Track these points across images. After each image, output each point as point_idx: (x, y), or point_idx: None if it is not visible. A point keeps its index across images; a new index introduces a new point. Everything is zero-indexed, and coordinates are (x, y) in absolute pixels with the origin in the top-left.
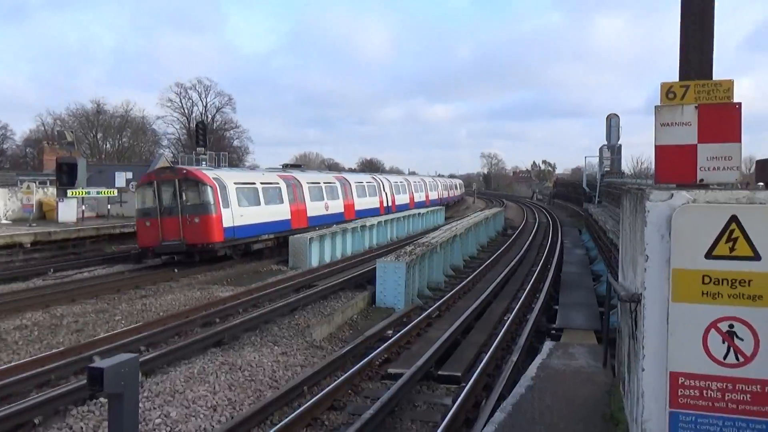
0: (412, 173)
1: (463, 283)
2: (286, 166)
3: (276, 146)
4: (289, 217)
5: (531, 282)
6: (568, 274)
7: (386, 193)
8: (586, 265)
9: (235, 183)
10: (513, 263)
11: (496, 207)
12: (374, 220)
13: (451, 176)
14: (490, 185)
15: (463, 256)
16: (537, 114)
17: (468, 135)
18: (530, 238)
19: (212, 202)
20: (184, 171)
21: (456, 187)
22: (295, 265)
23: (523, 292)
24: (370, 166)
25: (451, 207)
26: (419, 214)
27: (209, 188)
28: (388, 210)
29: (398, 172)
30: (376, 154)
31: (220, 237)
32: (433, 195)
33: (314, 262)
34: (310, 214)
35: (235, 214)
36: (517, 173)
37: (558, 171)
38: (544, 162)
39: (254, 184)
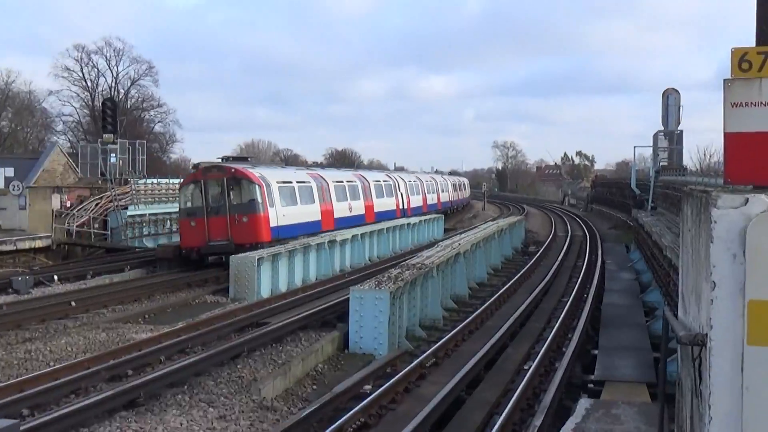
0: (400, 169)
1: (469, 319)
2: (226, 159)
3: (214, 132)
4: (320, 218)
5: (561, 318)
6: (611, 307)
7: (401, 194)
8: (636, 294)
9: (277, 182)
10: (536, 292)
11: (513, 215)
12: (347, 234)
13: (453, 173)
14: (505, 185)
15: (469, 283)
16: (569, 89)
17: (476, 117)
18: (560, 257)
19: (260, 201)
20: (232, 170)
21: (463, 187)
22: (239, 295)
23: (550, 331)
24: (343, 160)
25: (452, 216)
26: (409, 224)
27: (257, 187)
28: (404, 213)
29: (381, 168)
30: (351, 143)
31: (267, 236)
32: (445, 197)
33: (265, 292)
34: (336, 215)
35: (279, 214)
36: (542, 169)
37: (598, 166)
38: (579, 154)
39: (291, 182)
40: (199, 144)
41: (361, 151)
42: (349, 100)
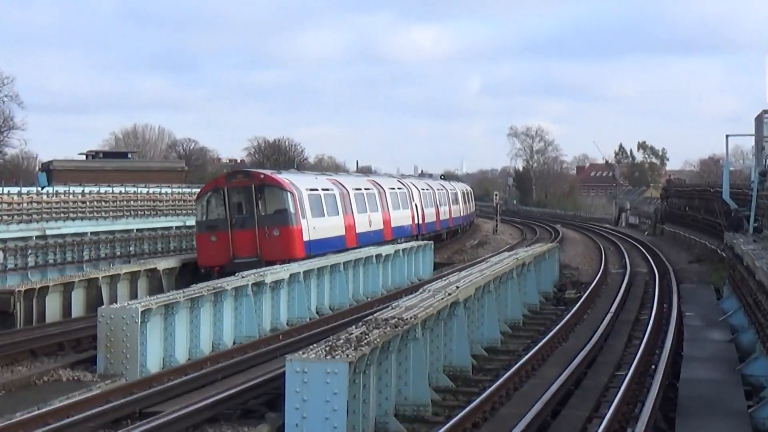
0: (366, 171)
1: (473, 405)
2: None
3: (75, 113)
4: (344, 233)
5: (615, 403)
6: (693, 386)
7: (416, 206)
8: (732, 365)
9: (306, 189)
10: (577, 362)
11: (541, 242)
12: (282, 272)
13: (447, 177)
14: (529, 195)
15: (473, 348)
16: (626, 47)
17: (483, 91)
18: (613, 307)
19: (293, 212)
20: (262, 176)
21: (467, 199)
22: (113, 370)
23: (597, 425)
24: (276, 158)
25: (448, 242)
26: (379, 257)
27: (289, 195)
28: (419, 230)
29: (335, 170)
30: (289, 130)
31: (301, 252)
32: (456, 211)
33: (154, 363)
34: (358, 229)
35: (310, 226)
36: (585, 170)
37: (671, 166)
38: (642, 147)
39: (318, 190)
40: (52, 132)
41: (306, 143)
42: (287, 63)
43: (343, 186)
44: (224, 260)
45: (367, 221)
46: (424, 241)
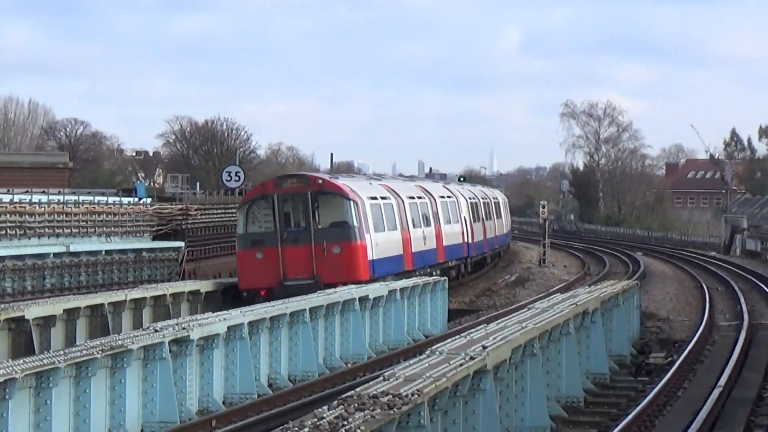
0: (345, 171)
1: None
2: None
3: None
4: (402, 252)
5: None
6: None
7: (465, 219)
8: None
9: (368, 197)
10: None
11: (612, 280)
12: (218, 325)
13: (466, 181)
14: (593, 206)
15: None
16: None
17: (525, 48)
18: (722, 378)
19: (356, 225)
20: (320, 180)
21: (501, 211)
22: None
23: None
24: (211, 145)
25: (473, 276)
26: (364, 300)
27: (352, 205)
28: (469, 250)
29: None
30: (229, 107)
31: (365, 273)
32: (490, 229)
33: None
34: (414, 248)
35: (373, 242)
36: (678, 169)
37: None
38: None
39: (377, 199)
40: None
41: (253, 127)
42: (221, 3)
43: (396, 194)
44: (272, 282)
45: (422, 238)
46: (433, 277)
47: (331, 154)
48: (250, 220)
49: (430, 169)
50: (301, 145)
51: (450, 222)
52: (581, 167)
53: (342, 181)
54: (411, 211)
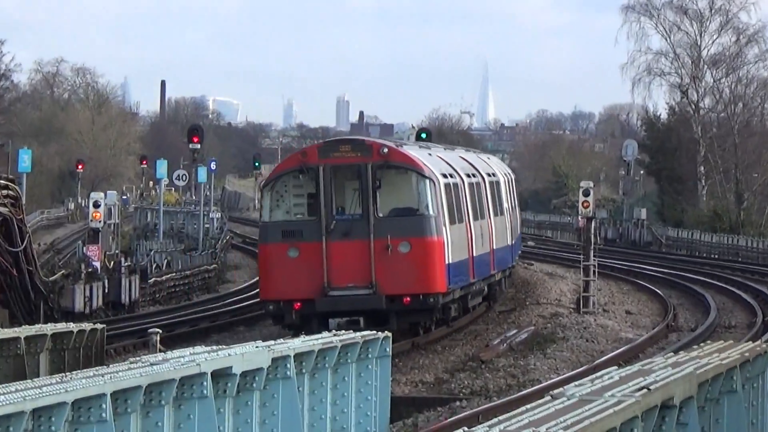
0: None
1: None
2: None
3: None
4: (467, 255)
5: None
6: None
7: (508, 209)
8: None
9: (441, 175)
10: None
11: (719, 342)
12: None
13: (429, 139)
14: (690, 195)
15: None
16: None
17: None
18: None
19: (434, 213)
20: (384, 149)
21: (509, 198)
22: None
23: None
24: None
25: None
26: (223, 379)
27: (428, 185)
28: (474, 271)
29: None
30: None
31: (442, 284)
32: (505, 232)
33: None
34: (475, 251)
35: (448, 240)
36: None
37: None
38: None
39: (447, 177)
40: None
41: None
42: None
43: (455, 170)
44: (312, 291)
45: (480, 236)
46: (365, 333)
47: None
48: (279, 203)
49: (361, 114)
50: (105, 66)
51: (498, 213)
52: (663, 116)
53: (409, 150)
54: (470, 197)
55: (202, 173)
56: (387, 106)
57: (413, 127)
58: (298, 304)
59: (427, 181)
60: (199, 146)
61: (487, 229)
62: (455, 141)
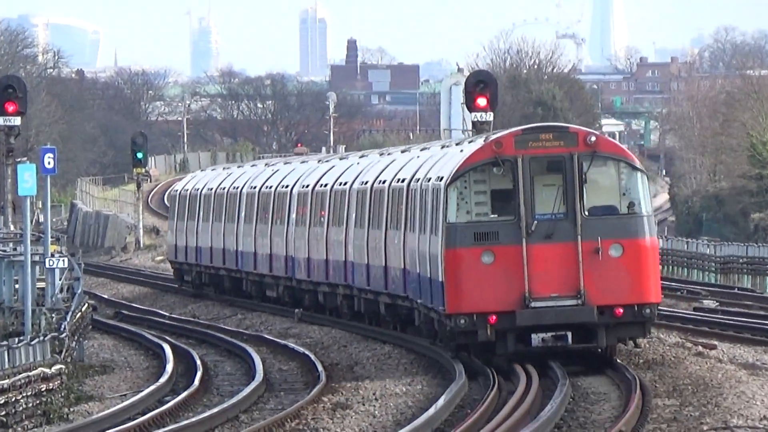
0: None
1: None
2: None
3: None
4: None
5: None
6: None
7: None
8: None
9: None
10: None
11: None
12: None
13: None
14: None
15: None
16: None
17: None
18: None
19: (648, 212)
20: (592, 138)
21: None
22: None
23: None
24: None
25: None
26: None
27: (640, 178)
28: None
29: None
30: None
31: (657, 293)
32: None
33: None
34: None
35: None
36: None
37: None
38: None
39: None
40: None
41: None
42: None
43: None
44: (511, 302)
45: None
46: None
47: None
48: (467, 201)
49: (351, 45)
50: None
51: None
52: None
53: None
54: None
55: (26, 177)
56: (399, 30)
57: (459, 69)
58: (494, 317)
59: (639, 174)
60: (17, 121)
61: None
62: (545, 98)
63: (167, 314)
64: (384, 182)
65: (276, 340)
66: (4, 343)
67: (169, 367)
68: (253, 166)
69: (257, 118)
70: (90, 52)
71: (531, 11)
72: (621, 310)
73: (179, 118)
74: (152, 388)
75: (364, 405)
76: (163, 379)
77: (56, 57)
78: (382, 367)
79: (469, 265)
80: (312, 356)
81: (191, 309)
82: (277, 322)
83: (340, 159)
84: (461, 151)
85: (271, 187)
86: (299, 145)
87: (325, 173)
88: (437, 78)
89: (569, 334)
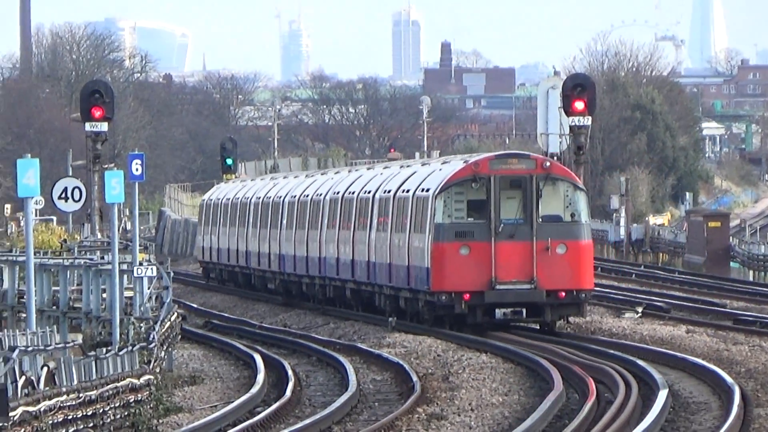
0: None
1: None
2: None
3: None
4: None
5: None
6: None
7: None
8: None
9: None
10: None
11: None
12: None
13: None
14: None
15: None
16: None
17: None
18: None
19: (586, 220)
20: (547, 163)
21: None
22: None
23: None
24: None
25: None
26: None
27: (581, 196)
28: None
29: None
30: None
31: (590, 281)
32: None
33: None
34: None
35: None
36: None
37: None
38: None
39: None
40: None
41: None
42: None
43: None
44: (480, 284)
45: None
46: None
47: None
48: (451, 207)
49: (445, 48)
50: None
51: None
52: None
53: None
54: None
55: (113, 184)
56: (494, 32)
57: (556, 72)
58: (468, 295)
59: (581, 192)
60: (104, 127)
61: None
62: (643, 101)
63: (257, 323)
64: (389, 192)
65: (369, 349)
66: (92, 353)
67: (261, 377)
68: (273, 179)
69: (349, 123)
70: (178, 56)
71: (629, 13)
72: (563, 294)
73: (269, 123)
74: (243, 398)
75: (459, 416)
76: (254, 390)
77: (143, 61)
78: (478, 376)
79: (450, 256)
80: (406, 366)
81: (282, 318)
82: (370, 331)
83: (337, 173)
84: (440, 170)
85: (278, 197)
86: (392, 150)
87: (321, 184)
88: (533, 81)
89: (524, 311)
